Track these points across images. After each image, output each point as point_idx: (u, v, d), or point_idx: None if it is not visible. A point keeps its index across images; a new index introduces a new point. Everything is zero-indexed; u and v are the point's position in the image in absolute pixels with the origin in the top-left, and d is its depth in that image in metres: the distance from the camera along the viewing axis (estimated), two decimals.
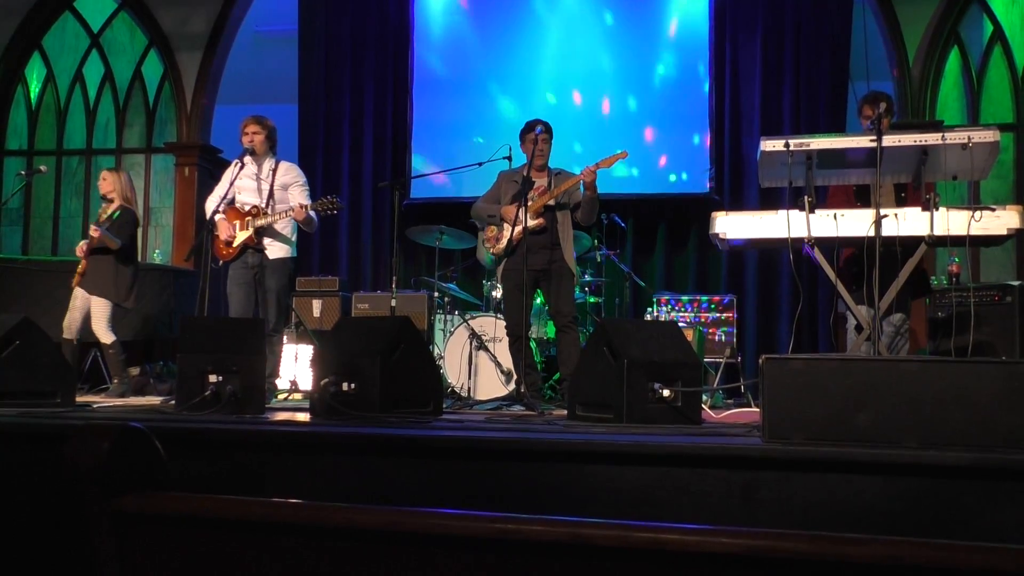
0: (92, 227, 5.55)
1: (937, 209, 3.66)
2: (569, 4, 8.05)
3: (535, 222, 4.74)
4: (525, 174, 4.78)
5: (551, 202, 4.78)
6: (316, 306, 6.89)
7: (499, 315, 5.69)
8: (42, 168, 6.53)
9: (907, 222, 3.69)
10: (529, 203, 4.70)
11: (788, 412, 2.64)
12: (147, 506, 1.32)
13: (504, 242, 4.78)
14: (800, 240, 3.76)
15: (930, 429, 2.55)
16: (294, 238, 5.06)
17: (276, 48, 8.89)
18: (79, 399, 4.37)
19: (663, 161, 7.80)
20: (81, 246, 5.63)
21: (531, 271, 4.73)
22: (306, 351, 5.85)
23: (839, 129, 7.43)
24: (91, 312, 5.48)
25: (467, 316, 5.77)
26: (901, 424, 2.56)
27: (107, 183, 5.72)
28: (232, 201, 4.99)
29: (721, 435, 2.94)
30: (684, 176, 7.78)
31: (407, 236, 6.31)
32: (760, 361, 2.72)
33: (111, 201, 5.70)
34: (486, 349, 5.54)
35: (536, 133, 4.80)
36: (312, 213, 4.91)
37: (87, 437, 1.34)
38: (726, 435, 2.93)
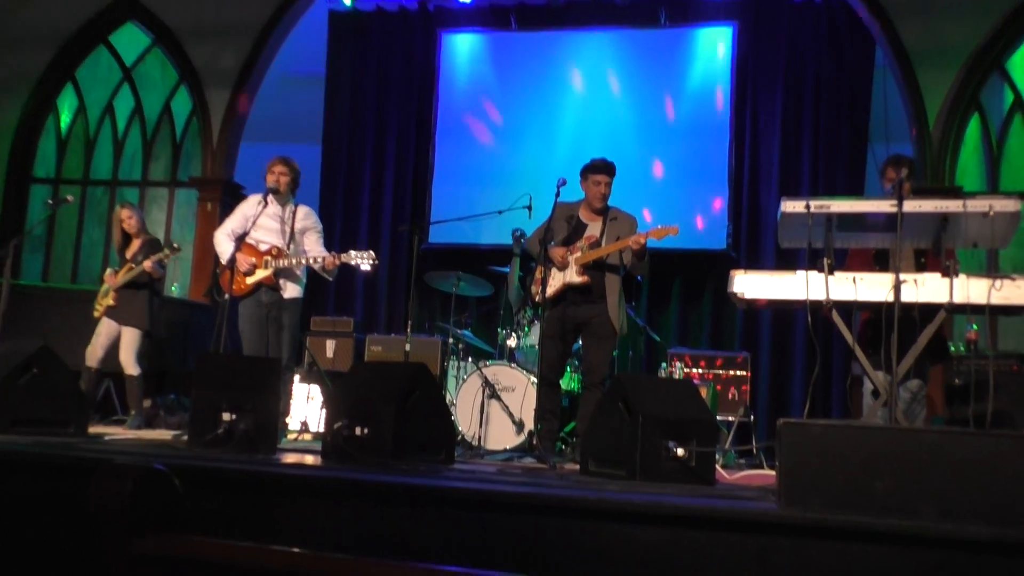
0: (147, 263, 5.56)
1: (957, 276, 3.65)
2: (592, 58, 8.17)
3: (580, 279, 4.66)
4: (577, 214, 4.80)
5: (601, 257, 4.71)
6: (330, 346, 6.90)
7: (513, 364, 5.67)
8: (68, 198, 6.59)
9: (926, 288, 3.68)
10: (578, 253, 4.68)
11: (805, 477, 2.61)
12: (166, 548, 1.32)
13: (550, 291, 4.68)
14: (818, 302, 3.74)
15: (949, 499, 2.52)
16: (304, 279, 5.15)
17: (302, 89, 9.03)
18: (91, 430, 4.38)
19: (681, 216, 7.82)
20: (112, 275, 5.71)
21: (572, 321, 4.70)
22: (318, 392, 5.85)
23: (858, 189, 7.46)
24: (122, 342, 5.61)
25: (481, 364, 5.75)
26: (920, 494, 2.53)
27: (134, 220, 5.86)
28: (243, 237, 4.96)
29: (736, 498, 2.91)
30: (701, 231, 7.80)
31: (424, 280, 6.33)
32: (778, 425, 2.70)
33: (134, 236, 5.84)
34: (498, 398, 5.51)
35: (601, 176, 4.74)
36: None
37: (110, 478, 1.34)
38: (741, 498, 2.90)
